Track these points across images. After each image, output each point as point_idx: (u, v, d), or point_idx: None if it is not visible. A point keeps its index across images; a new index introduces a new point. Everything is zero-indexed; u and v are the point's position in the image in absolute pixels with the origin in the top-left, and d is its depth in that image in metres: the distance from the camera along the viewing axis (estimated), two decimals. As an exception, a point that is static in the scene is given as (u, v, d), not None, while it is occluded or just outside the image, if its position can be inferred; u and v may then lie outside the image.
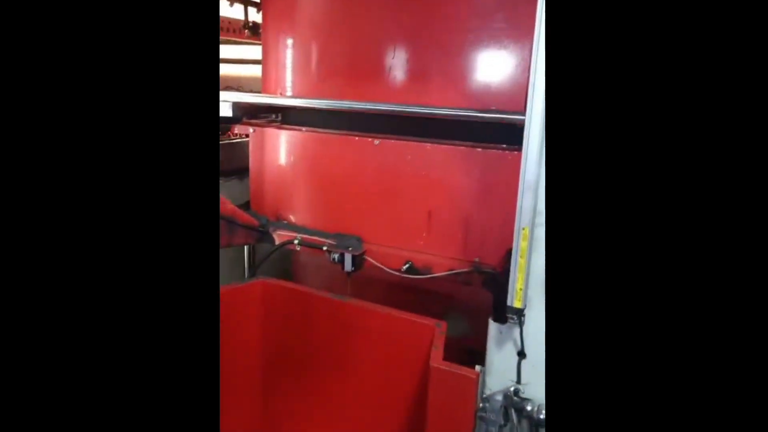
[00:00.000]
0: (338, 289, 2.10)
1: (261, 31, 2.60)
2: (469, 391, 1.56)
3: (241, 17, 3.29)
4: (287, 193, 2.44)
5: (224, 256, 2.83)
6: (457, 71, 2.01)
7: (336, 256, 2.17)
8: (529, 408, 1.50)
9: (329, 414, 2.09)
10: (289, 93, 2.39)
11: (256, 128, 2.48)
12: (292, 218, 2.43)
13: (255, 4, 3.31)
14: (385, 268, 2.14)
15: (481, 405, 1.57)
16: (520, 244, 1.42)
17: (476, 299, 2.00)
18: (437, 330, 1.78)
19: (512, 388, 1.53)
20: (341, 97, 2.18)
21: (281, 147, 2.43)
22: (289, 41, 2.34)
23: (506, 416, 1.54)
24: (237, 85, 3.46)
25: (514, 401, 1.52)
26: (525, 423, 1.51)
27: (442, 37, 2.01)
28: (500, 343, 1.55)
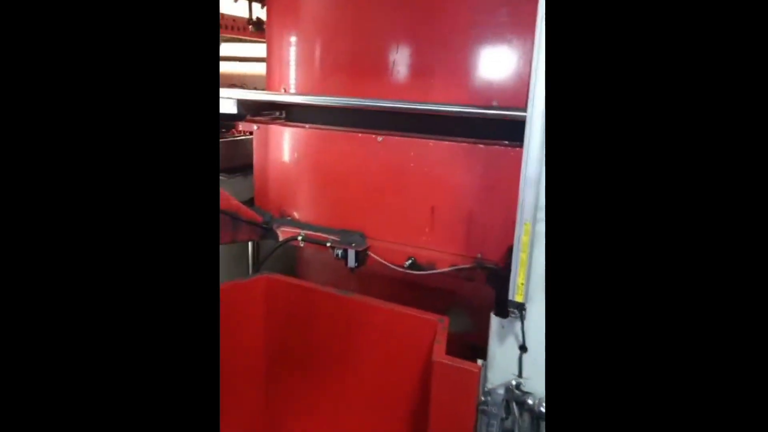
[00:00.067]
0: (341, 285, 2.11)
1: (265, 27, 2.61)
2: (471, 385, 1.58)
3: (246, 14, 3.31)
4: (291, 189, 2.46)
5: (229, 252, 2.85)
6: (460, 67, 2.02)
7: (339, 252, 2.19)
8: (530, 401, 1.51)
9: (332, 408, 2.11)
10: (293, 90, 2.41)
11: (260, 125, 2.50)
12: (296, 215, 2.45)
13: (259, 0, 3.32)
14: (388, 264, 2.15)
15: (483, 398, 1.58)
16: (521, 239, 1.43)
17: (478, 295, 2.01)
18: (440, 325, 1.80)
19: (514, 382, 1.54)
20: (345, 94, 2.19)
21: (285, 144, 2.44)
22: (294, 38, 2.36)
23: (508, 409, 1.55)
24: (241, 83, 3.48)
25: (515, 395, 1.53)
26: (526, 416, 1.53)
27: (445, 33, 2.02)
28: (502, 337, 1.57)
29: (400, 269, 2.13)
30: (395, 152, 2.14)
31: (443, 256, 2.10)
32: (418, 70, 2.09)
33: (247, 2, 3.28)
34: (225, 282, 2.08)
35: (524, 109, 1.39)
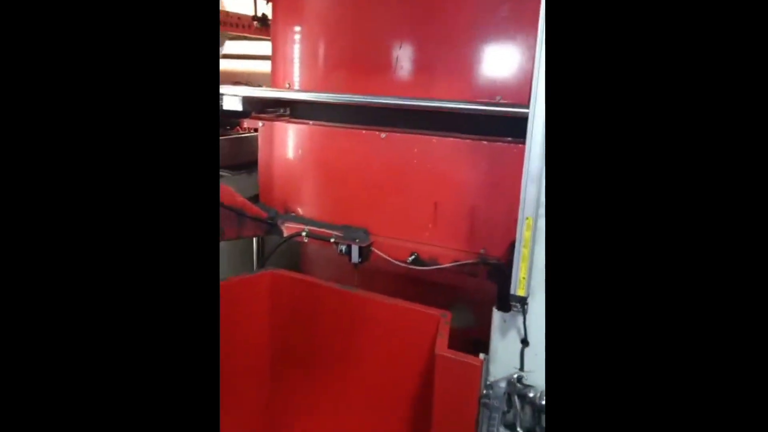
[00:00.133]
0: (345, 281, 2.13)
1: (270, 24, 2.63)
2: (473, 379, 1.60)
3: (251, 11, 3.33)
4: (295, 185, 2.48)
5: (234, 247, 2.88)
6: (463, 63, 2.03)
7: (343, 247, 2.22)
8: (531, 394, 1.53)
9: (336, 402, 2.13)
10: (297, 86, 2.42)
11: (265, 122, 2.52)
12: (300, 211, 2.47)
13: (265, -4, 3.34)
14: (391, 260, 2.17)
15: (485, 392, 1.60)
16: (523, 234, 1.45)
17: (481, 290, 2.03)
18: (442, 320, 1.82)
19: (515, 375, 1.56)
20: (349, 90, 2.21)
21: (289, 140, 2.47)
22: (299, 34, 2.38)
23: (509, 403, 1.57)
24: (246, 80, 3.50)
25: (517, 388, 1.55)
26: (528, 409, 1.55)
27: (449, 29, 2.03)
28: (504, 331, 1.58)
29: (403, 265, 2.15)
30: (399, 149, 2.16)
31: (446, 251, 2.12)
32: (421, 65, 2.10)
33: (252, -1, 3.31)
34: (230, 277, 2.10)
35: (527, 106, 1.40)
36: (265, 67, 3.48)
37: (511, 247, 1.51)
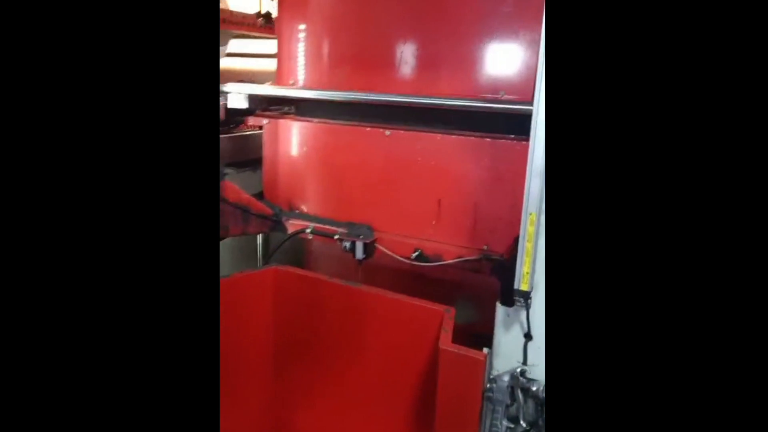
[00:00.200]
0: (349, 277, 2.14)
1: (275, 21, 2.64)
2: (477, 373, 1.61)
3: (255, 9, 3.35)
4: (300, 183, 2.50)
5: (238, 244, 2.90)
6: (466, 59, 2.04)
7: (347, 244, 2.23)
8: (534, 388, 1.54)
9: (340, 396, 2.15)
10: (302, 83, 2.44)
11: (270, 120, 2.54)
12: (305, 208, 2.49)
13: (270, -6, 3.37)
14: (395, 256, 2.19)
15: (488, 386, 1.61)
16: (527, 229, 1.46)
17: (484, 287, 2.05)
18: (446, 315, 1.83)
19: (518, 369, 1.57)
20: (354, 87, 2.22)
21: (294, 138, 2.48)
22: (304, 31, 2.39)
23: (512, 396, 1.58)
24: (251, 78, 3.52)
25: (520, 382, 1.56)
26: (531, 402, 1.56)
27: (452, 24, 2.04)
28: (507, 325, 1.60)
29: (407, 261, 2.16)
30: (403, 146, 2.17)
31: (449, 248, 2.13)
32: (425, 61, 2.11)
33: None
34: (235, 273, 2.12)
35: (530, 103, 1.42)
36: (269, 65, 3.50)
37: (515, 242, 1.53)
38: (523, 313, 1.54)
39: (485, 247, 2.08)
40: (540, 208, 1.44)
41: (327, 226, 2.34)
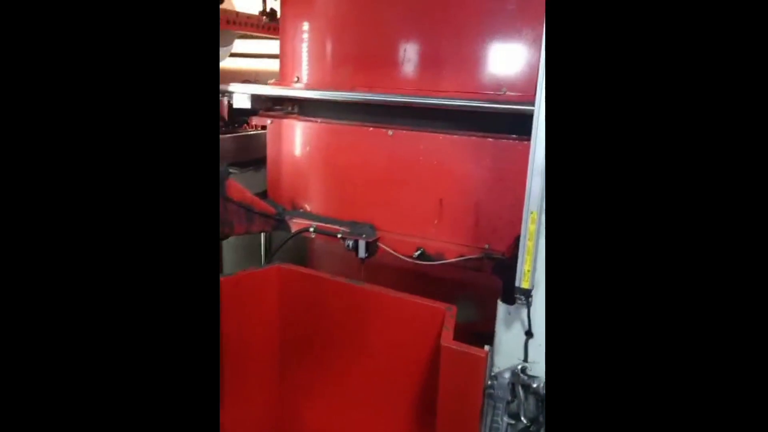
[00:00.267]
0: (352, 275, 2.16)
1: (279, 19, 2.66)
2: (478, 370, 1.63)
3: (259, 8, 3.37)
4: (303, 182, 2.52)
5: (242, 243, 2.92)
6: (469, 56, 2.05)
7: (350, 243, 2.25)
8: (535, 385, 1.56)
9: (343, 392, 2.17)
10: (305, 80, 2.45)
11: (274, 119, 2.56)
12: (308, 207, 2.51)
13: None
14: (397, 255, 2.21)
15: (489, 383, 1.63)
16: (528, 228, 1.48)
17: (485, 285, 2.06)
18: (448, 313, 1.85)
19: (519, 367, 1.59)
20: (357, 85, 2.24)
21: (297, 138, 2.50)
22: (307, 29, 2.41)
23: (513, 393, 1.60)
24: (254, 79, 3.54)
25: (521, 379, 1.58)
26: (531, 399, 1.58)
27: (455, 22, 2.05)
28: (508, 323, 1.62)
29: (409, 260, 2.18)
30: (405, 146, 2.19)
31: (451, 246, 2.15)
32: (428, 59, 2.13)
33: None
34: (239, 271, 2.14)
35: (532, 102, 1.43)
36: (272, 65, 3.52)
37: (516, 241, 1.54)
38: (524, 311, 1.56)
39: (487, 246, 2.09)
40: (541, 206, 1.46)
41: (330, 225, 2.36)
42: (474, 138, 2.07)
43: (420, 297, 1.94)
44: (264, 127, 2.64)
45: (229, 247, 2.95)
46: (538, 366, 1.58)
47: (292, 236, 2.43)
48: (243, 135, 3.12)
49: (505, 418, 1.62)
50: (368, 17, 2.25)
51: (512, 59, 2.00)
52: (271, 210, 2.47)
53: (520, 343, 1.59)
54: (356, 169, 2.33)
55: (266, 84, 2.72)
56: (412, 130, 2.18)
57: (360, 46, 2.28)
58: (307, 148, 2.48)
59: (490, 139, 2.04)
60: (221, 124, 2.98)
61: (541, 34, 1.37)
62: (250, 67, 3.84)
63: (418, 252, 2.18)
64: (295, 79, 2.47)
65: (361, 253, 2.23)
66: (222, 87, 2.53)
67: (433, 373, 1.79)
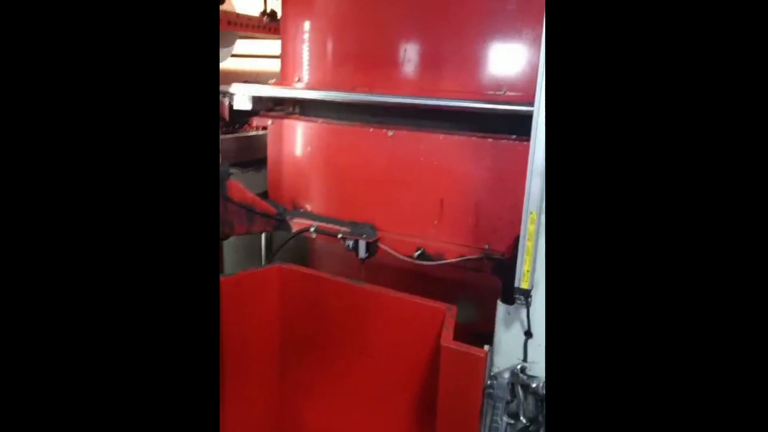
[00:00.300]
0: (352, 275, 2.16)
1: (280, 20, 2.67)
2: (477, 370, 1.63)
3: (260, 9, 3.38)
4: (303, 182, 2.53)
5: (243, 243, 2.92)
6: (469, 56, 2.05)
7: (350, 243, 2.26)
8: (534, 385, 1.56)
9: (343, 392, 2.17)
10: (306, 80, 2.45)
11: (274, 120, 2.56)
12: (309, 207, 2.51)
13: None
14: (398, 255, 2.21)
15: (489, 382, 1.63)
16: (527, 228, 1.48)
17: (485, 285, 2.07)
18: (448, 313, 1.85)
19: (519, 366, 1.59)
20: (358, 86, 2.24)
21: (298, 138, 2.51)
22: (308, 29, 2.41)
23: (513, 393, 1.60)
24: (255, 79, 3.55)
25: (520, 378, 1.58)
26: (531, 399, 1.58)
27: (456, 22, 2.06)
28: (508, 323, 1.62)
29: (410, 260, 2.18)
30: (405, 146, 2.19)
31: (451, 247, 2.15)
32: (428, 60, 2.13)
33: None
34: (239, 271, 2.15)
35: (532, 103, 1.44)
36: (273, 65, 3.53)
37: (515, 241, 1.55)
38: (524, 311, 1.56)
39: (486, 246, 2.10)
40: (540, 207, 1.46)
41: (330, 225, 2.36)
42: (474, 138, 2.07)
43: (420, 297, 1.94)
44: (265, 128, 2.65)
45: (229, 247, 2.96)
46: (537, 366, 1.58)
47: (293, 236, 2.44)
48: (244, 136, 3.13)
49: (505, 418, 1.62)
50: (369, 17, 2.26)
51: (512, 59, 2.00)
52: (272, 210, 2.48)
53: (519, 343, 1.60)
54: (357, 169, 2.34)
55: (267, 84, 2.73)
56: (412, 131, 2.18)
57: (361, 47, 2.29)
58: (308, 149, 2.48)
59: (490, 140, 2.05)
60: (222, 124, 2.99)
61: (541, 34, 1.37)
62: (250, 68, 3.86)
63: (418, 252, 2.18)
64: (297, 79, 2.47)
65: (362, 253, 2.24)
66: (223, 88, 2.54)
67: (433, 373, 1.80)
